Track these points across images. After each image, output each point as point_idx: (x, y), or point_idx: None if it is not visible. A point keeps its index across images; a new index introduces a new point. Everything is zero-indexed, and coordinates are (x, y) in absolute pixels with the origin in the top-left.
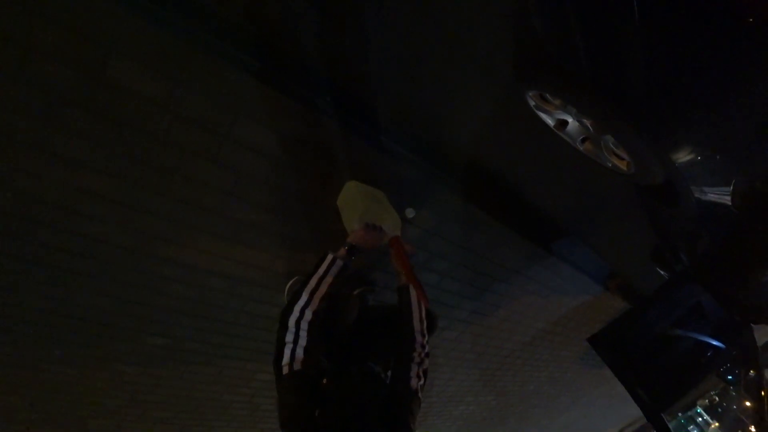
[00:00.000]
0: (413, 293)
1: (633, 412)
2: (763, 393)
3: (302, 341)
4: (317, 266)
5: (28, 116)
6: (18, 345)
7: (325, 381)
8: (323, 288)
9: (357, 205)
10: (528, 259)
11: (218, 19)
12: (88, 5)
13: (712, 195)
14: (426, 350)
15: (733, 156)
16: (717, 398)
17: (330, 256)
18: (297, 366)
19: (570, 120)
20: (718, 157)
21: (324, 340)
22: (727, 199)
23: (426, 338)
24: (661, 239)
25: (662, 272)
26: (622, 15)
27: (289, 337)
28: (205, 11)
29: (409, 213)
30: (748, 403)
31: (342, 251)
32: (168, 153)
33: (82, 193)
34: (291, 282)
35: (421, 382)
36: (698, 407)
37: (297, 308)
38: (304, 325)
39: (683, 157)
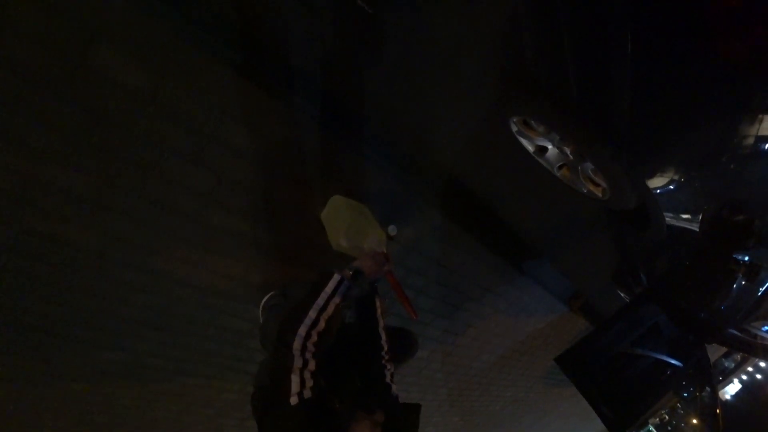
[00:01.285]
0: (378, 303)
1: (592, 430)
2: (717, 410)
3: (310, 365)
4: (322, 284)
5: None
6: None
7: (338, 405)
8: (330, 309)
9: (342, 219)
10: (500, 278)
11: (208, 13)
12: None
13: (680, 221)
14: (389, 356)
15: (704, 185)
16: (667, 416)
17: (337, 276)
18: (307, 394)
19: (550, 147)
20: (690, 185)
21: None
22: (694, 225)
23: (388, 345)
24: (624, 262)
25: (622, 294)
26: (617, 49)
27: (297, 362)
28: (196, 3)
29: (392, 230)
30: (695, 421)
31: (346, 273)
32: (146, 150)
33: (43, 186)
34: (267, 297)
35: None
36: (650, 425)
37: (303, 329)
38: (311, 348)
39: (658, 184)
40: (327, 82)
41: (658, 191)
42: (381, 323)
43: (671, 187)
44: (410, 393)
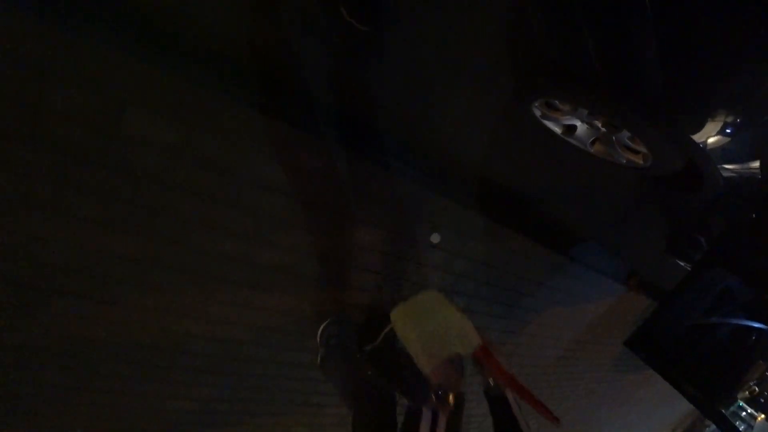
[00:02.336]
0: (513, 403)
1: (675, 413)
2: None
3: None
4: (414, 424)
5: (42, 179)
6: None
7: None
8: None
9: (412, 333)
10: (549, 269)
11: (227, 62)
12: (99, 60)
13: (737, 171)
14: None
15: (757, 129)
16: (756, 388)
17: (427, 412)
18: None
19: (578, 124)
20: (743, 130)
21: None
22: (755, 172)
23: None
24: (677, 229)
25: (681, 263)
26: (633, 7)
27: None
28: (213, 54)
29: (435, 238)
30: None
31: (432, 401)
32: (185, 202)
33: (95, 253)
34: (323, 326)
35: None
36: (739, 401)
37: None
38: None
39: (706, 137)
40: (346, 105)
41: (706, 145)
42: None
43: (721, 137)
44: (480, 403)
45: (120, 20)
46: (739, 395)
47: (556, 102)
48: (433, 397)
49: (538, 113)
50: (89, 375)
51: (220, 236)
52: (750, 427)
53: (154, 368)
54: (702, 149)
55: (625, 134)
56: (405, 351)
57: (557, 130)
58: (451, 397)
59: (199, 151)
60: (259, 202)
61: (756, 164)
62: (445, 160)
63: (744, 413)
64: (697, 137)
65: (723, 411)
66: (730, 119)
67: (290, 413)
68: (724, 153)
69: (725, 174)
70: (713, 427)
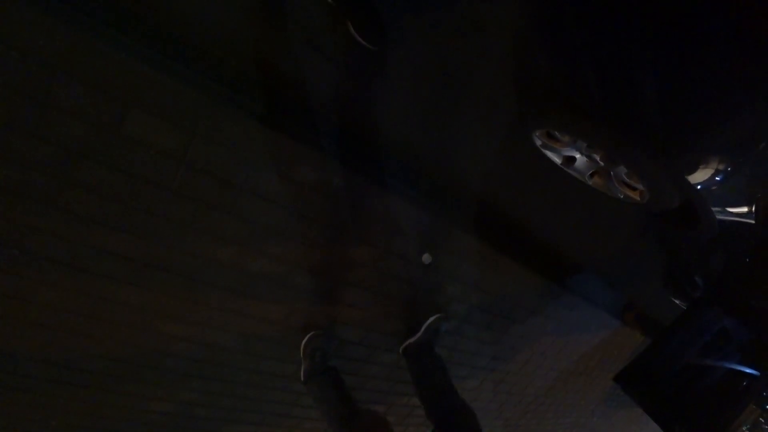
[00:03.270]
0: None
1: None
2: None
3: None
4: None
5: (41, 172)
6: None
7: None
8: None
9: None
10: (544, 298)
11: (232, 71)
12: (107, 60)
13: (731, 214)
14: None
15: (753, 171)
16: None
17: None
18: None
19: (578, 156)
20: (737, 174)
21: None
22: (748, 217)
23: None
24: (675, 266)
25: (677, 301)
26: (636, 40)
27: None
28: (218, 62)
29: (427, 259)
30: None
31: None
32: (181, 206)
33: (91, 249)
34: (307, 338)
35: None
36: None
37: None
38: None
39: (701, 178)
40: (347, 121)
41: (702, 186)
42: None
43: (716, 179)
44: None
45: (130, 22)
46: None
47: (557, 133)
48: None
49: (538, 142)
50: (70, 369)
51: (213, 242)
52: None
53: (136, 367)
54: (696, 190)
55: (623, 169)
56: None
57: (557, 160)
58: None
59: (198, 157)
60: (255, 210)
61: (750, 209)
62: (443, 182)
63: None
64: (693, 178)
65: None
66: (725, 163)
67: (271, 424)
68: (719, 196)
69: (720, 216)
70: None
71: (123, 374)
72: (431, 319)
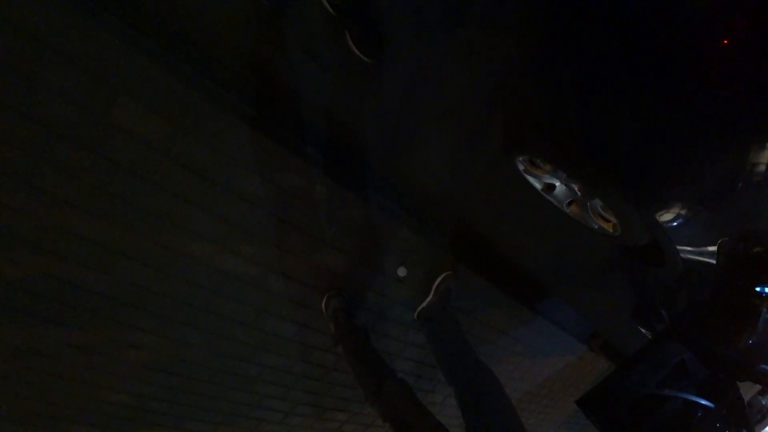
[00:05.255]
0: None
1: None
2: None
3: None
4: None
5: (20, 149)
6: None
7: None
8: None
9: None
10: (514, 320)
11: (226, 71)
12: (102, 45)
13: (696, 255)
14: None
15: (718, 217)
16: None
17: None
18: None
19: (558, 184)
20: (703, 218)
21: None
22: (711, 259)
23: None
24: (643, 298)
25: (644, 331)
26: (618, 85)
27: None
28: (214, 61)
29: (401, 272)
30: None
31: None
32: (161, 199)
33: (64, 233)
34: (325, 298)
35: None
36: None
37: None
38: None
39: (669, 218)
40: (336, 133)
41: (671, 225)
42: None
43: (683, 220)
44: None
45: (128, 8)
46: None
47: (539, 161)
48: None
49: (521, 167)
50: (27, 350)
51: (188, 237)
52: None
53: (97, 355)
54: (663, 231)
55: (599, 202)
56: None
57: (538, 186)
58: None
59: (183, 152)
60: (233, 210)
61: (713, 249)
62: (424, 198)
63: None
64: (661, 217)
65: None
66: (693, 206)
67: (229, 424)
68: (685, 237)
69: (684, 255)
70: None
71: (79, 360)
72: (439, 279)
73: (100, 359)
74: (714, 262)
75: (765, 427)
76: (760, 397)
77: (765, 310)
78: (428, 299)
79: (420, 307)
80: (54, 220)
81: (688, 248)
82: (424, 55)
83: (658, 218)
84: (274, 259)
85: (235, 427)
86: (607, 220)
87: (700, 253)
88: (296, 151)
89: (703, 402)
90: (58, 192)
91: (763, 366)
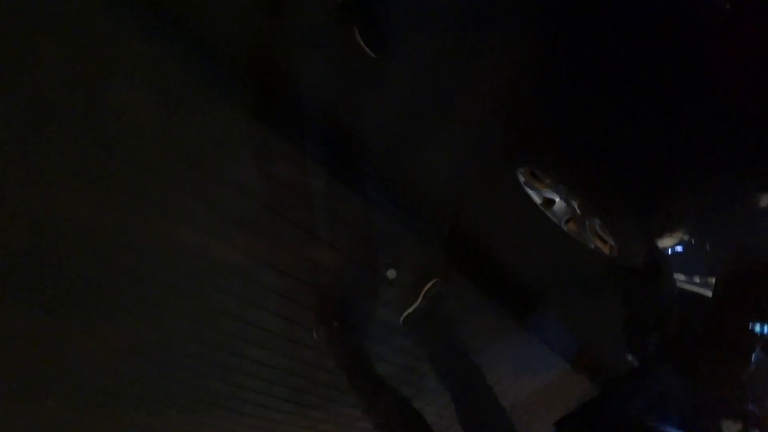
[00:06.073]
0: None
1: None
2: None
3: None
4: None
5: (8, 124)
6: None
7: None
8: None
9: None
10: (502, 331)
11: (228, 56)
12: (100, 21)
13: (692, 284)
14: None
15: (717, 249)
16: None
17: None
18: None
19: (557, 200)
20: (702, 247)
21: None
22: (707, 291)
23: None
24: (634, 321)
25: (630, 358)
26: (624, 103)
27: None
28: (217, 46)
29: (391, 274)
30: None
31: None
32: (152, 182)
33: (52, 212)
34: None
35: None
36: None
37: None
38: None
39: (669, 244)
40: (335, 125)
41: (670, 251)
42: None
43: (682, 247)
44: None
45: None
46: None
47: (540, 173)
48: None
49: (521, 179)
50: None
51: (179, 223)
52: None
53: (82, 338)
54: (662, 255)
55: (597, 221)
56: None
57: (537, 200)
58: None
59: (177, 137)
60: (226, 200)
61: (710, 281)
62: (421, 201)
63: None
64: (660, 242)
65: None
66: (694, 232)
67: (209, 414)
68: (683, 264)
69: (680, 284)
70: None
71: (54, 340)
72: (429, 284)
73: (83, 342)
74: (710, 294)
75: None
76: None
77: (758, 348)
78: (416, 304)
79: (407, 312)
80: (41, 197)
81: (684, 277)
82: (429, 54)
83: (657, 242)
84: (265, 251)
85: (214, 418)
86: (605, 241)
87: (697, 284)
88: (295, 143)
89: None
90: (47, 169)
91: (751, 405)
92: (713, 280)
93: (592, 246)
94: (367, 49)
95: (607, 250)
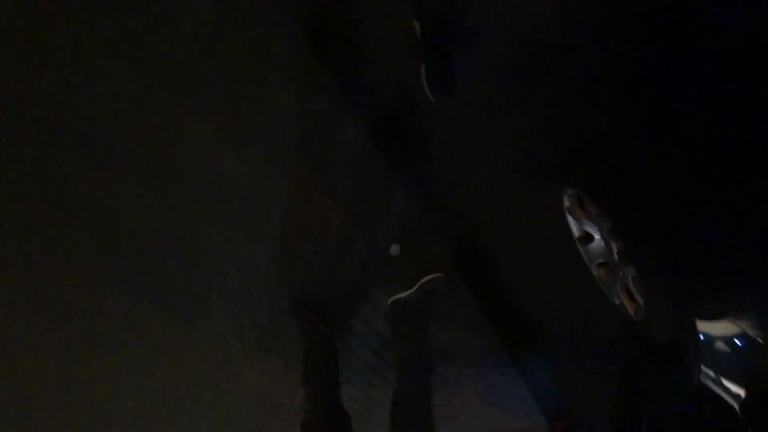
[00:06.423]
0: None
1: None
2: None
3: None
4: None
5: None
6: None
7: None
8: None
9: None
10: (491, 359)
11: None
12: None
13: (719, 386)
14: None
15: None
16: None
17: None
18: None
19: (597, 237)
20: (749, 347)
21: None
22: (734, 401)
23: None
24: (633, 402)
25: None
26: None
27: None
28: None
29: (394, 250)
30: None
31: None
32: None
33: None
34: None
35: None
36: None
37: None
38: None
39: (708, 328)
40: (380, 110)
41: (703, 336)
42: None
43: (722, 338)
44: None
45: None
46: None
47: (588, 201)
48: None
49: (566, 203)
50: None
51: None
52: None
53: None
54: (695, 336)
55: (631, 273)
56: None
57: (575, 231)
58: None
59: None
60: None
61: (740, 391)
62: (452, 194)
63: None
64: (698, 322)
65: None
66: (741, 328)
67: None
68: (715, 357)
69: (705, 380)
70: None
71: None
72: (428, 277)
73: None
74: (736, 406)
75: None
76: None
77: None
78: (409, 291)
79: (397, 296)
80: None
81: (713, 373)
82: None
83: (693, 320)
84: (276, 181)
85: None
86: (633, 299)
87: (724, 388)
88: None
89: None
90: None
91: None
92: (743, 392)
93: (617, 302)
94: (429, 93)
95: (632, 311)
